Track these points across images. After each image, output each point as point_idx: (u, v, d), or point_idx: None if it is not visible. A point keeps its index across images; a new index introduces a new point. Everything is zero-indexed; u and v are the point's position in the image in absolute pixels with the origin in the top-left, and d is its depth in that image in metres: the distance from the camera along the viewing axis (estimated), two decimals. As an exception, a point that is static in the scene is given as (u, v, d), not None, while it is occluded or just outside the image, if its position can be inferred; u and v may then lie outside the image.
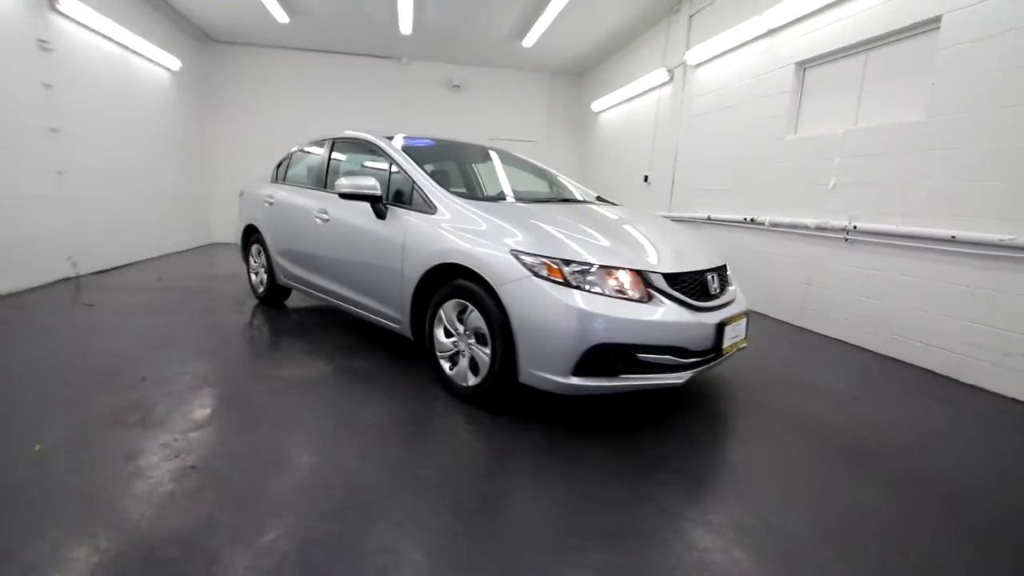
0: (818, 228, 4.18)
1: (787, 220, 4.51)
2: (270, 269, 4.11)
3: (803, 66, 4.49)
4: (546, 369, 2.12)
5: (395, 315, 2.86)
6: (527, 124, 9.68)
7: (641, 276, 2.19)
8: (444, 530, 1.56)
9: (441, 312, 2.55)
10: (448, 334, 2.56)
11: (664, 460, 2.06)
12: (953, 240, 3.14)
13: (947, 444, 2.37)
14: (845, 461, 2.14)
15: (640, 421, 2.40)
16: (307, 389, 2.61)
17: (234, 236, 4.79)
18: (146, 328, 3.53)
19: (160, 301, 4.37)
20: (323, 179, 3.61)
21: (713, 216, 5.53)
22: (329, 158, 3.64)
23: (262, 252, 4.22)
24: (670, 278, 2.26)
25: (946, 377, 3.19)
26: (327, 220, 3.31)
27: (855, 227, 3.84)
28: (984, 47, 3.01)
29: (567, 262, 2.14)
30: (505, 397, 2.38)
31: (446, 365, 2.59)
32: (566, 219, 2.57)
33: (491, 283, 2.24)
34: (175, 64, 6.99)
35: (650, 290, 2.19)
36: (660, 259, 2.33)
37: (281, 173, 4.24)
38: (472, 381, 2.44)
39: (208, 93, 8.47)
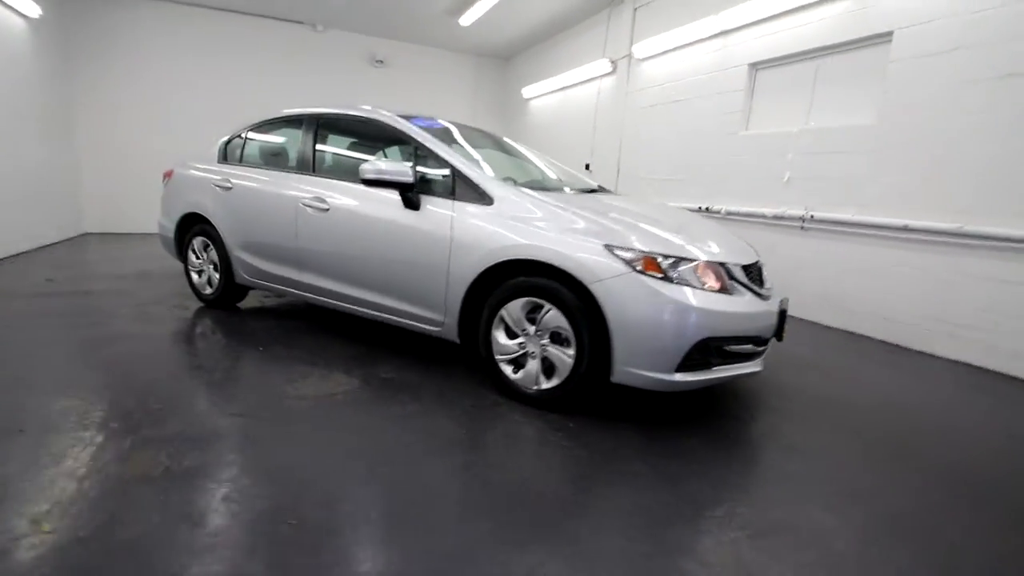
0: (775, 217, 4.60)
1: (744, 209, 4.90)
2: (225, 266, 3.47)
3: (756, 67, 4.87)
4: (648, 367, 2.05)
5: (434, 317, 2.58)
6: (453, 107, 9.32)
7: (724, 268, 2.21)
8: (643, 557, 1.43)
9: (504, 312, 2.34)
10: (511, 335, 2.37)
11: (758, 450, 2.13)
12: (906, 229, 3.65)
13: (909, 396, 2.78)
14: (827, 418, 2.40)
15: (690, 411, 2.46)
16: (346, 407, 2.25)
17: (159, 227, 3.97)
18: (79, 347, 2.78)
19: (72, 309, 3.47)
20: (309, 162, 3.10)
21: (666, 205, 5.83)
22: (315, 137, 3.13)
23: (211, 246, 3.55)
24: (744, 269, 2.32)
25: (903, 347, 3.73)
26: (326, 210, 2.86)
27: (812, 216, 4.29)
28: (932, 61, 3.50)
29: (665, 257, 2.08)
30: (585, 399, 2.27)
31: (508, 369, 2.40)
32: (629, 209, 2.51)
33: (582, 280, 2.10)
34: (33, 10, 5.51)
35: (732, 281, 2.22)
36: (727, 251, 2.37)
37: (234, 152, 3.58)
38: (547, 384, 2.29)
39: (76, 49, 6.85)
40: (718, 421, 2.36)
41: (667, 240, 2.16)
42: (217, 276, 3.58)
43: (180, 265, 3.96)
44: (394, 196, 2.62)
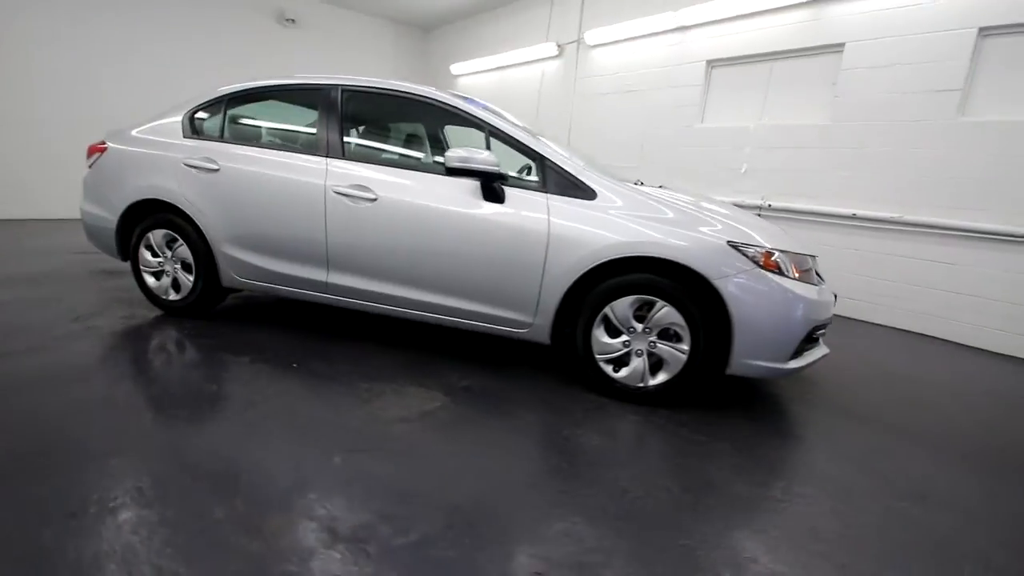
0: (734, 205, 5.05)
1: (702, 197, 5.30)
2: (206, 265, 2.84)
3: (712, 64, 5.23)
4: (768, 358, 2.16)
5: (521, 319, 2.40)
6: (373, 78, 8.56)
7: (812, 260, 2.39)
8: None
9: (608, 311, 2.27)
10: (613, 334, 2.31)
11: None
12: (854, 217, 4.27)
13: (845, 356, 3.36)
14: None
15: (735, 395, 2.67)
16: (455, 425, 2.03)
17: (85, 216, 3.10)
18: (32, 394, 2.08)
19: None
20: (338, 143, 2.63)
21: (621, 191, 6.07)
22: (342, 115, 2.66)
23: (179, 242, 2.87)
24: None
25: (855, 319, 4.40)
26: (372, 200, 2.47)
27: (769, 205, 4.80)
28: (879, 72, 4.09)
29: (783, 252, 2.18)
30: (693, 392, 2.32)
31: (608, 368, 2.35)
32: (705, 205, 2.57)
33: (708, 277, 2.11)
34: None
35: (814, 273, 2.42)
36: (799, 244, 2.56)
37: (210, 125, 2.90)
38: (654, 381, 2.29)
39: None
40: (777, 402, 2.57)
41: (775, 236, 2.27)
42: (190, 278, 2.91)
43: (101, 259, 3.15)
44: (467, 186, 2.37)
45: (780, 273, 2.14)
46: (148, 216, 2.92)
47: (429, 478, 1.67)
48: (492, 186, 2.32)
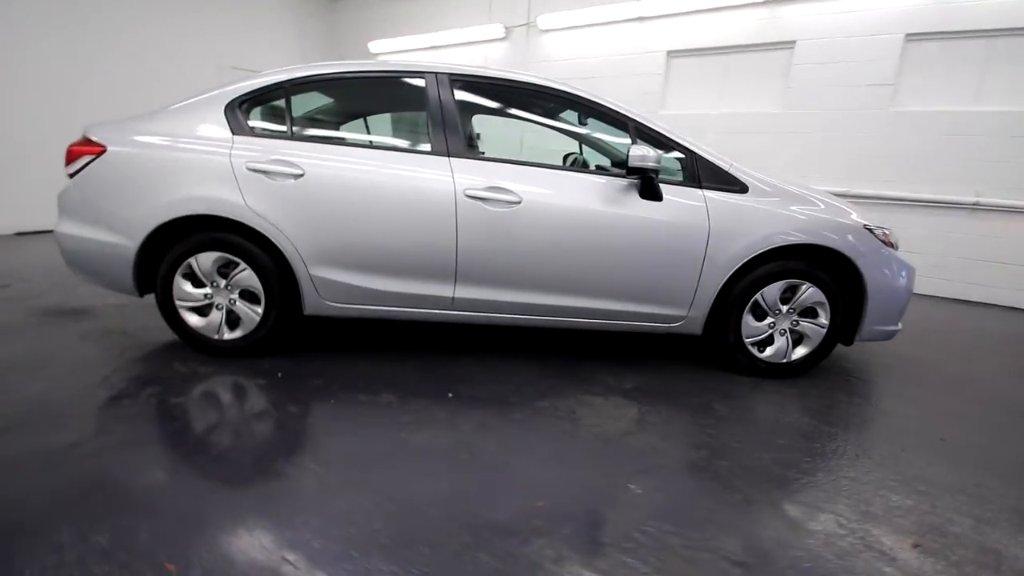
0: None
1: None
2: (283, 292, 2.33)
3: (672, 55, 5.60)
4: (889, 323, 2.50)
5: (674, 313, 2.43)
6: (274, 53, 7.49)
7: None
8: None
9: (759, 297, 2.42)
10: (760, 318, 2.47)
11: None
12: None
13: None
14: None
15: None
16: (667, 435, 2.03)
17: (73, 242, 2.33)
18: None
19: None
20: (460, 141, 2.32)
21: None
22: (457, 109, 2.34)
23: (244, 266, 2.31)
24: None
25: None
26: (517, 203, 2.26)
27: (733, 184, 5.36)
28: (827, 68, 4.78)
29: (886, 229, 2.51)
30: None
31: (754, 350, 2.50)
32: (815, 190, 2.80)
33: (852, 258, 2.36)
34: None
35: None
36: None
37: (279, 120, 2.36)
38: (796, 355, 2.51)
39: None
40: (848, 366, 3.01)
41: (870, 218, 2.60)
42: (257, 310, 2.36)
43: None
44: (618, 185, 2.31)
45: (894, 248, 2.49)
46: (185, 237, 2.29)
47: (724, 474, 1.66)
48: (654, 184, 2.28)
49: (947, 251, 4.54)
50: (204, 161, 2.24)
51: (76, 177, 2.30)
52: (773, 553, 1.37)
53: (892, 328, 2.52)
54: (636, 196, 2.31)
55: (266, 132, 2.34)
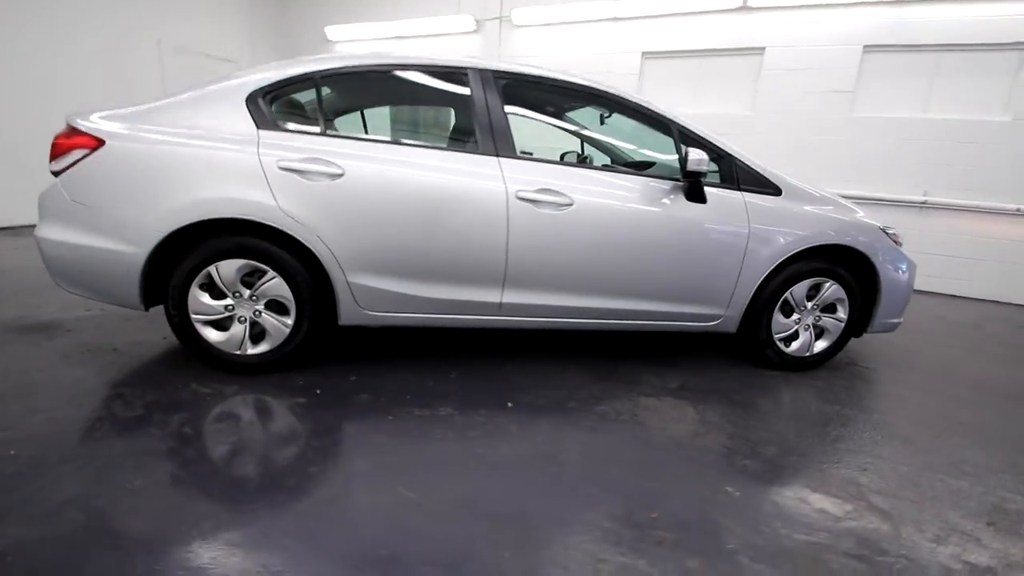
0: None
1: (646, 177, 5.87)
2: (315, 301, 2.14)
3: (646, 56, 5.72)
4: (895, 315, 2.71)
5: (713, 312, 2.49)
6: (220, 34, 6.88)
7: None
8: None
9: (789, 295, 2.53)
10: (787, 314, 2.58)
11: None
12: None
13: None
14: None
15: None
16: (736, 427, 2.09)
17: (62, 249, 2.02)
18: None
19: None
20: (507, 140, 2.23)
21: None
22: (502, 106, 2.24)
23: (274, 274, 2.09)
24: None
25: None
26: (568, 205, 2.21)
27: (707, 183, 5.59)
28: (792, 74, 5.08)
29: (895, 230, 2.71)
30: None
31: (781, 345, 2.62)
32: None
33: (870, 256, 2.52)
34: None
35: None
36: None
37: (310, 114, 2.14)
38: (818, 348, 2.66)
39: None
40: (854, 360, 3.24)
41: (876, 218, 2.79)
42: (287, 321, 2.15)
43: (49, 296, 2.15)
44: (664, 187, 2.34)
45: (900, 246, 2.69)
46: (200, 243, 2.04)
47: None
48: (701, 187, 2.31)
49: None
50: (229, 158, 2.00)
51: (65, 174, 1.98)
52: (882, 544, 1.44)
53: (897, 320, 2.73)
54: (682, 198, 2.34)
55: (295, 127, 2.13)
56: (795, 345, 2.64)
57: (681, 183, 2.34)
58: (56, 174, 2.00)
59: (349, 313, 2.21)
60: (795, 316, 2.60)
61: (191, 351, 2.16)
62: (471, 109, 2.24)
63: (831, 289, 2.56)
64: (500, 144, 2.22)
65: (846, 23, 4.82)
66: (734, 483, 1.68)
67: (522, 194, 2.17)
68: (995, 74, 4.46)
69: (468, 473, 1.65)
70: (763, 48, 5.20)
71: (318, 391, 2.11)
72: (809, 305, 2.59)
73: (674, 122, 2.43)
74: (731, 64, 5.44)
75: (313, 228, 2.05)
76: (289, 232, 2.04)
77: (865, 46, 4.79)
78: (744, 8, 5.12)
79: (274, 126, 2.08)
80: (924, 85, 4.70)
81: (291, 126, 2.13)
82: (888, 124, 4.83)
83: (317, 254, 2.08)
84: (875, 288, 2.60)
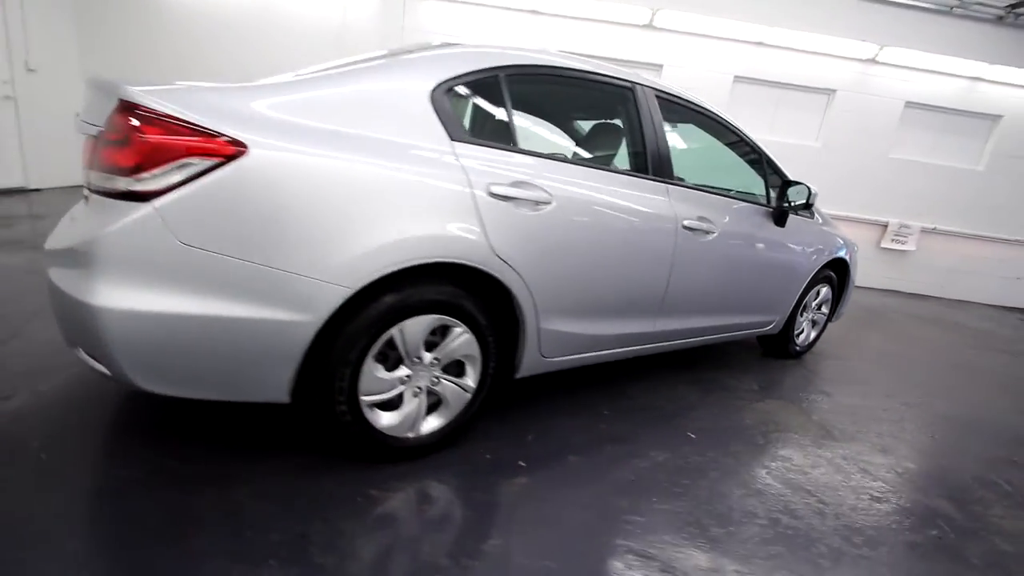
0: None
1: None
2: (498, 358, 1.75)
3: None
4: (845, 306, 3.56)
5: (771, 319, 2.90)
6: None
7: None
8: None
9: (808, 300, 3.10)
10: (800, 313, 3.16)
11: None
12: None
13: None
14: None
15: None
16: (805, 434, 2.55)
17: (195, 321, 1.22)
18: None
19: None
20: (668, 165, 2.14)
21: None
22: (662, 127, 2.12)
23: (464, 329, 1.63)
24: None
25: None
26: (714, 233, 2.27)
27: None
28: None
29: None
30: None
31: (797, 338, 3.21)
32: None
33: (851, 266, 3.25)
34: None
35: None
36: None
37: (499, 123, 1.70)
38: (810, 338, 3.34)
39: None
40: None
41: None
42: (467, 384, 1.70)
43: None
44: (762, 212, 2.60)
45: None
46: (376, 296, 1.45)
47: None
48: (787, 213, 2.62)
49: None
50: (431, 183, 1.46)
51: (170, 199, 1.16)
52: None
53: (844, 309, 3.61)
54: (771, 222, 2.62)
55: (489, 141, 1.64)
56: (801, 338, 3.26)
57: (771, 208, 2.63)
58: (139, 196, 1.16)
59: (531, 364, 1.87)
60: (806, 315, 3.20)
61: (341, 443, 1.54)
62: (642, 129, 2.08)
63: (825, 290, 3.23)
64: (666, 169, 2.14)
65: (720, 55, 5.81)
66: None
67: (687, 223, 2.15)
68: (812, 111, 6.02)
69: (739, 520, 1.65)
70: (661, 65, 5.89)
71: (521, 463, 1.76)
72: (813, 304, 3.22)
73: (763, 152, 2.69)
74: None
75: (519, 269, 1.67)
76: (497, 276, 1.62)
77: (735, 76, 5.87)
78: (650, 27, 5.69)
79: (464, 136, 1.59)
80: (771, 114, 6.05)
81: (485, 139, 1.64)
82: (746, 143, 6.06)
83: (518, 300, 1.70)
84: (844, 285, 3.38)
